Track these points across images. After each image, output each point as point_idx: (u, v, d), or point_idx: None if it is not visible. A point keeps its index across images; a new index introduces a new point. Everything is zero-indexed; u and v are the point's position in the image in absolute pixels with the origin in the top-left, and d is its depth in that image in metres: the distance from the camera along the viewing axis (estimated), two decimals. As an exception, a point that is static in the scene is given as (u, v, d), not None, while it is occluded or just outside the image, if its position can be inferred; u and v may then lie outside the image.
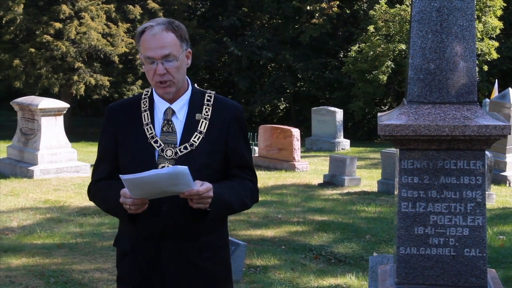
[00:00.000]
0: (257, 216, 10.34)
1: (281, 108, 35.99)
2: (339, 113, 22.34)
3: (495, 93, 20.74)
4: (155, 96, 3.19)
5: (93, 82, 26.69)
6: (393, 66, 27.48)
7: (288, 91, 32.80)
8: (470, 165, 3.97)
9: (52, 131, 14.43)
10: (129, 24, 27.66)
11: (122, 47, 26.75)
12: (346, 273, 7.27)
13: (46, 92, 25.47)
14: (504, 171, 14.15)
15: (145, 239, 3.12)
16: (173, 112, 3.15)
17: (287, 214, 10.53)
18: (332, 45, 33.04)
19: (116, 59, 26.74)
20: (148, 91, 3.23)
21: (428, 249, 4.00)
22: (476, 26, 25.41)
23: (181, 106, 3.16)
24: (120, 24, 27.59)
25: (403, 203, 4.02)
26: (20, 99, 15.24)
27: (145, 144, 3.12)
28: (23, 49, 26.45)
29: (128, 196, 2.93)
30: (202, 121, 3.14)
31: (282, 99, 33.82)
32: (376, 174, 15.12)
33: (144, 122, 3.15)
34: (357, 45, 29.28)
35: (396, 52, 27.40)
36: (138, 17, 27.34)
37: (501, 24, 27.21)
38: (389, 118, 4.07)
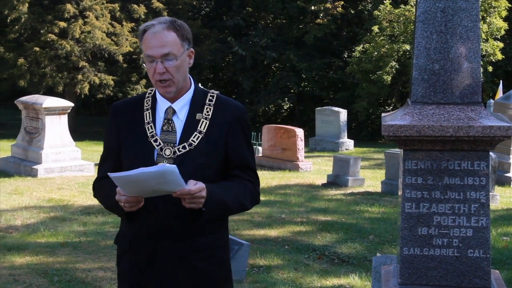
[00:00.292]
0: (260, 216, 10.34)
1: (285, 108, 35.98)
2: (343, 113, 22.34)
3: (499, 94, 20.73)
4: (158, 95, 3.19)
5: (97, 81, 26.74)
6: (397, 66, 27.46)
7: (292, 91, 32.80)
8: (474, 166, 3.96)
9: (56, 130, 14.45)
10: (133, 24, 27.69)
11: (126, 46, 26.79)
12: (349, 273, 7.26)
13: (50, 91, 25.52)
14: (508, 172, 14.13)
15: (142, 237, 3.13)
16: (174, 112, 3.15)
17: (291, 214, 10.53)
18: (336, 45, 33.03)
19: (121, 58, 26.78)
20: (152, 90, 3.23)
21: (432, 250, 4.00)
22: (481, 27, 25.38)
23: (182, 106, 3.16)
24: (124, 23, 27.63)
25: (406, 204, 4.02)
26: (24, 98, 15.26)
27: (145, 143, 3.12)
28: (28, 48, 26.50)
29: (122, 193, 2.95)
30: (202, 121, 3.13)
31: (286, 99, 33.81)
32: (379, 174, 15.10)
33: (145, 121, 3.16)
34: (362, 46, 29.27)
35: (401, 53, 27.38)
36: (143, 16, 27.37)
37: (506, 25, 27.17)
38: (393, 118, 4.07)
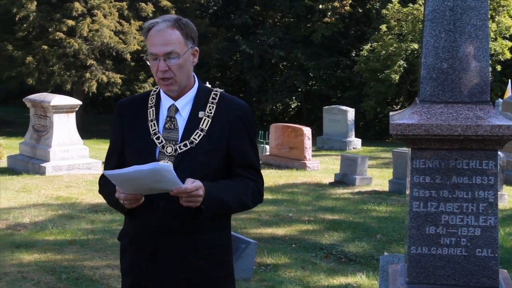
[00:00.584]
0: (268, 214, 10.34)
1: (293, 106, 35.95)
2: (351, 112, 22.31)
3: (508, 93, 20.66)
4: (162, 93, 3.20)
5: (105, 79, 26.79)
6: (405, 65, 27.40)
7: (299, 90, 32.78)
8: (483, 165, 3.95)
9: (64, 128, 14.49)
10: (141, 22, 27.70)
11: (134, 45, 26.83)
12: (356, 272, 7.26)
13: (58, 89, 25.60)
14: (517, 171, 14.09)
15: (143, 235, 3.13)
16: (177, 109, 3.15)
17: (298, 212, 10.53)
18: (344, 44, 32.99)
19: (128, 56, 26.82)
20: (157, 88, 3.24)
21: (440, 249, 3.99)
22: (490, 25, 25.29)
23: (185, 104, 3.16)
24: (132, 21, 27.67)
25: (414, 203, 4.01)
26: (32, 96, 15.31)
27: (148, 140, 3.13)
28: (36, 46, 26.57)
29: (121, 191, 2.96)
30: (205, 119, 3.13)
31: (293, 97, 33.79)
32: (387, 173, 15.08)
33: (149, 119, 3.17)
34: (369, 44, 29.22)
35: (409, 52, 27.32)
36: (151, 14, 27.40)
37: (515, 24, 27.08)
38: (401, 117, 4.06)
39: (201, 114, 3.14)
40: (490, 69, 24.70)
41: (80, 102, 15.27)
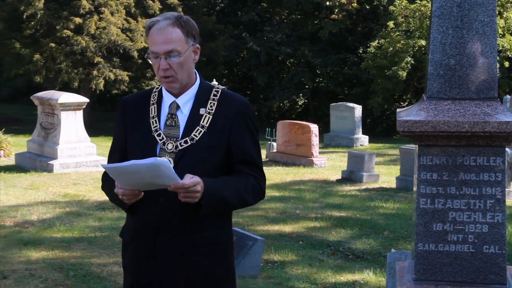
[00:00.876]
0: (275, 211, 10.34)
1: (300, 103, 35.94)
2: (358, 109, 22.28)
3: (516, 89, 20.57)
4: (164, 90, 3.22)
5: (112, 77, 26.82)
6: (412, 62, 27.35)
7: (306, 86, 32.75)
8: (490, 162, 3.94)
9: (71, 125, 14.52)
10: (148, 19, 27.73)
11: (141, 42, 26.85)
12: (364, 269, 7.25)
13: (66, 87, 25.63)
14: (524, 168, 14.02)
15: (143, 231, 3.15)
16: (178, 106, 3.16)
17: (305, 209, 10.53)
18: (351, 41, 32.95)
19: (135, 54, 26.84)
20: (160, 85, 3.26)
21: (447, 246, 3.98)
22: (498, 22, 25.19)
23: (186, 101, 3.17)
24: (139, 19, 27.69)
25: (421, 199, 4.00)
26: (40, 94, 15.34)
27: (149, 137, 3.15)
28: (44, 44, 26.62)
29: (120, 186, 2.98)
30: (206, 116, 3.14)
31: (300, 94, 33.77)
32: (394, 170, 15.06)
33: (150, 115, 3.19)
34: (377, 41, 29.18)
35: (416, 48, 27.27)
36: (158, 12, 27.40)
37: (523, 20, 26.99)
38: (408, 114, 4.05)
39: (202, 111, 3.15)
40: (498, 65, 24.64)
41: (87, 100, 15.31)
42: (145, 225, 3.13)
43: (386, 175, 14.57)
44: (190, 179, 2.92)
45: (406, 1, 27.55)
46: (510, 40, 26.53)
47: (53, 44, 26.34)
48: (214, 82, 23.62)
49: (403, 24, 27.55)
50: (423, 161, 4.00)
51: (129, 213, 3.21)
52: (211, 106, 3.16)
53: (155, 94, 3.24)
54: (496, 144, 3.93)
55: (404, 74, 27.27)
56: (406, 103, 30.65)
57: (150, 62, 3.14)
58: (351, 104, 22.90)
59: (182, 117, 3.15)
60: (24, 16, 26.26)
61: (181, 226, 3.08)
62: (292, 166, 16.14)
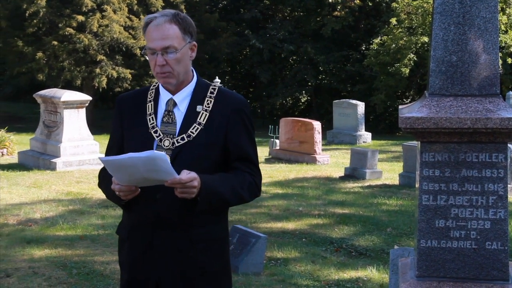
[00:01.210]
0: (278, 208, 10.35)
1: (303, 101, 35.94)
2: (361, 106, 22.28)
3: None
4: (161, 88, 3.24)
5: (115, 74, 26.83)
6: (415, 59, 27.32)
7: (309, 84, 32.74)
8: (492, 158, 3.93)
9: (74, 123, 14.54)
10: (149, 17, 27.72)
11: (144, 40, 26.71)
12: (367, 266, 7.26)
13: (68, 85, 25.64)
14: (528, 164, 14.01)
15: (140, 227, 3.16)
16: (175, 103, 3.18)
17: (308, 207, 10.53)
18: (354, 38, 32.93)
19: (138, 51, 26.85)
20: (157, 83, 3.28)
21: (449, 242, 3.98)
22: (500, 18, 25.17)
23: (183, 98, 3.19)
24: (142, 16, 27.67)
25: (424, 196, 4.00)
26: (43, 92, 15.36)
27: (146, 134, 3.16)
28: (46, 42, 26.63)
29: (116, 182, 2.99)
30: (202, 113, 3.15)
31: (303, 92, 33.76)
32: (397, 167, 15.06)
33: (147, 113, 3.20)
34: (379, 38, 29.15)
35: (419, 45, 27.23)
36: (160, 9, 27.36)
37: (526, 16, 26.93)
38: (410, 110, 4.05)
39: (199, 108, 3.17)
40: (501, 62, 24.60)
41: (90, 98, 15.32)
42: (142, 222, 3.14)
43: (389, 172, 14.57)
44: (187, 175, 2.93)
45: (409, -2, 27.54)
46: (513, 36, 26.49)
47: (55, 42, 26.35)
48: (217, 80, 23.64)
49: (406, 21, 27.52)
50: (425, 157, 4.00)
51: (125, 209, 3.22)
52: (208, 104, 3.18)
53: (152, 92, 3.26)
54: (499, 141, 3.92)
55: (407, 71, 27.25)
56: (409, 100, 30.62)
57: (147, 58, 3.16)
58: (354, 101, 22.90)
59: (179, 114, 3.17)
60: (27, 14, 26.28)
61: (177, 222, 3.10)
62: (295, 163, 16.14)
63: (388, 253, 6.45)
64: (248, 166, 3.22)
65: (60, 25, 26.50)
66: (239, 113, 3.19)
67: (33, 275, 6.70)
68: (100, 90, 28.08)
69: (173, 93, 3.19)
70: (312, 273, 7.03)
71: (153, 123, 3.17)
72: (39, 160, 14.51)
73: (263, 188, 11.86)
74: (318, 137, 16.37)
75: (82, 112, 14.73)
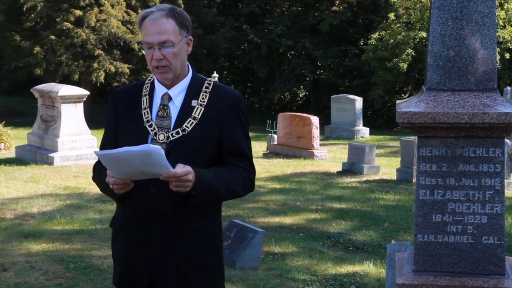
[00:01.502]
0: (275, 203, 10.35)
1: (301, 96, 35.93)
2: (359, 101, 22.28)
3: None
4: (156, 82, 3.24)
5: (113, 69, 26.80)
6: (413, 54, 27.31)
7: (307, 79, 32.72)
8: (489, 153, 3.94)
9: (72, 118, 14.52)
10: (147, 12, 27.66)
11: (141, 35, 26.80)
12: (364, 260, 7.26)
13: (66, 79, 25.61)
14: (525, 159, 14.02)
15: (134, 220, 3.17)
16: (170, 98, 3.19)
17: (306, 201, 10.53)
18: (352, 33, 32.90)
19: (136, 46, 26.80)
20: (152, 77, 3.28)
21: (446, 237, 3.99)
22: (498, 13, 25.16)
23: (178, 92, 3.20)
24: (140, 11, 27.55)
25: (421, 191, 4.00)
26: (40, 86, 15.34)
27: (141, 128, 3.17)
28: (44, 36, 26.59)
29: (111, 175, 3.00)
30: (197, 107, 3.16)
31: (301, 87, 33.75)
32: (395, 162, 15.07)
33: (142, 107, 3.21)
34: (377, 33, 29.14)
35: (417, 40, 27.22)
36: (158, 4, 27.34)
37: (524, 11, 26.92)
38: (408, 105, 4.05)
39: (194, 102, 3.18)
40: (499, 57, 24.61)
41: (88, 92, 15.30)
42: (136, 215, 3.15)
43: (386, 167, 14.58)
44: (182, 168, 2.94)
45: (407, -7, 27.51)
46: (511, 32, 26.47)
47: (53, 37, 26.31)
48: (215, 75, 23.63)
49: (404, 16, 27.50)
50: (422, 152, 4.00)
51: (119, 203, 3.23)
52: (203, 98, 3.18)
53: (147, 86, 3.26)
54: (496, 135, 3.93)
55: (405, 66, 27.25)
56: (407, 95, 30.62)
57: (144, 52, 3.16)
58: (351, 96, 22.89)
59: (174, 109, 3.18)
60: (24, 9, 26.22)
61: (172, 216, 3.11)
62: (293, 158, 16.14)
63: (385, 247, 6.46)
64: (242, 161, 3.23)
65: (57, 19, 26.45)
66: (234, 108, 3.20)
67: (30, 269, 6.70)
68: (98, 84, 28.04)
69: (169, 87, 3.19)
70: (309, 267, 7.04)
71: (148, 117, 3.17)
72: (36, 154, 14.50)
73: (261, 183, 11.90)
74: (316, 132, 16.37)
75: (80, 106, 14.71)
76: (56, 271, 6.67)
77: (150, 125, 3.16)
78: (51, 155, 14.09)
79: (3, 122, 18.43)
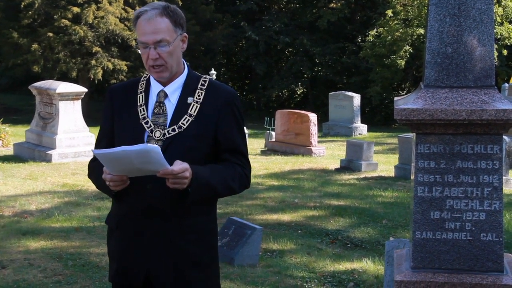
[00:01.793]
0: (273, 200, 10.35)
1: (298, 93, 35.91)
2: (357, 98, 22.28)
3: (514, 77, 20.55)
4: (151, 79, 3.25)
5: (110, 66, 26.77)
6: (411, 50, 27.31)
7: (305, 76, 32.71)
8: (487, 150, 3.94)
9: (70, 115, 14.51)
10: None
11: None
12: (362, 257, 7.27)
13: (64, 77, 25.59)
14: (523, 156, 14.03)
15: (129, 217, 3.18)
16: (166, 95, 3.20)
17: (304, 198, 10.54)
18: (350, 30, 32.88)
19: (134, 43, 26.77)
20: (147, 74, 3.29)
21: (444, 234, 3.99)
22: (496, 10, 25.17)
23: (174, 89, 3.21)
24: (137, 8, 27.58)
25: (419, 188, 4.00)
26: (38, 84, 15.32)
27: (137, 125, 3.18)
28: (41, 33, 26.54)
29: (108, 172, 3.00)
30: (193, 105, 3.17)
31: (299, 84, 33.74)
32: (393, 159, 15.08)
33: (138, 104, 3.21)
34: (375, 30, 29.13)
35: (415, 37, 27.22)
36: (156, 1, 27.29)
37: (521, 8, 26.91)
38: (406, 102, 4.05)
39: (190, 100, 3.19)
40: (497, 53, 24.62)
41: (85, 90, 15.28)
42: (132, 212, 3.16)
43: (384, 164, 14.59)
44: (179, 165, 2.95)
45: (405, -10, 27.51)
46: (509, 28, 26.47)
47: (51, 34, 26.27)
48: (213, 72, 23.60)
49: (402, 13, 27.49)
50: (420, 149, 4.00)
51: (116, 199, 3.23)
52: (198, 96, 3.19)
53: (143, 83, 3.27)
54: (494, 132, 3.93)
55: (403, 62, 27.25)
56: (405, 92, 30.63)
57: (139, 52, 3.17)
58: (349, 93, 22.89)
59: (170, 106, 3.19)
60: (22, 6, 26.17)
61: (169, 213, 3.11)
62: (291, 155, 16.15)
63: (384, 244, 6.47)
64: (238, 158, 3.24)
65: (55, 16, 26.40)
66: (230, 105, 3.21)
67: (28, 266, 6.70)
68: (96, 82, 28.01)
69: (164, 84, 3.20)
70: (307, 264, 7.05)
71: (144, 114, 3.18)
72: (34, 152, 14.49)
73: (259, 180, 11.90)
74: (314, 129, 16.37)
75: (78, 104, 14.70)
76: (54, 268, 6.67)
77: (146, 122, 3.16)
78: (49, 152, 14.09)
79: (1, 119, 18.41)
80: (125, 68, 27.06)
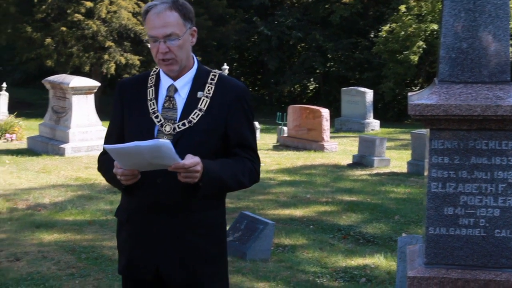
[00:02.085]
0: (285, 195, 10.36)
1: (311, 88, 35.86)
2: (369, 94, 22.23)
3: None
4: (161, 73, 3.25)
5: (123, 61, 26.83)
6: (424, 46, 27.20)
7: (317, 71, 32.67)
8: (502, 146, 3.92)
9: (83, 109, 14.57)
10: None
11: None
12: (374, 253, 7.27)
13: (77, 71, 25.67)
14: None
15: (140, 211, 3.18)
16: (176, 89, 3.20)
17: (316, 194, 10.54)
18: (362, 25, 32.79)
19: (146, 38, 26.84)
20: (157, 68, 3.29)
21: (458, 230, 3.97)
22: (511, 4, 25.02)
23: (184, 84, 3.21)
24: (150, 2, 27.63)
25: (433, 183, 3.99)
26: (51, 78, 15.38)
27: (147, 119, 3.18)
28: (55, 28, 26.64)
29: (119, 166, 3.01)
30: (203, 99, 3.17)
31: (311, 79, 33.71)
32: (405, 155, 15.04)
33: (148, 98, 3.22)
34: (388, 25, 29.02)
35: (428, 32, 27.11)
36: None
37: (536, 3, 26.73)
38: (420, 97, 4.03)
39: (199, 94, 3.19)
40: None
41: (98, 84, 15.34)
42: (142, 206, 3.16)
43: (397, 160, 14.55)
44: (191, 159, 2.95)
45: (418, -15, 27.39)
46: (524, 24, 26.33)
47: (64, 28, 26.36)
48: (225, 67, 23.59)
49: (415, 8, 27.39)
50: (434, 145, 3.99)
51: (126, 193, 3.24)
52: (208, 90, 3.19)
53: (153, 77, 3.27)
54: (508, 128, 3.91)
55: (416, 58, 27.15)
56: (418, 87, 30.52)
57: (149, 46, 3.18)
58: (362, 89, 22.84)
59: (180, 100, 3.19)
60: (35, 0, 26.26)
61: (179, 207, 3.12)
62: (303, 151, 16.14)
63: (396, 240, 6.46)
64: (248, 153, 3.24)
65: (68, 11, 26.48)
66: (240, 100, 3.21)
67: (42, 259, 6.74)
68: (109, 76, 28.09)
69: (174, 79, 3.20)
70: (319, 260, 7.05)
71: (154, 108, 3.18)
72: (48, 145, 14.56)
73: (271, 175, 11.91)
74: (326, 124, 16.35)
75: (91, 98, 14.76)
76: (68, 261, 6.71)
77: (156, 117, 3.17)
78: (62, 146, 14.15)
79: (15, 113, 18.51)
80: (137, 62, 27.12)
